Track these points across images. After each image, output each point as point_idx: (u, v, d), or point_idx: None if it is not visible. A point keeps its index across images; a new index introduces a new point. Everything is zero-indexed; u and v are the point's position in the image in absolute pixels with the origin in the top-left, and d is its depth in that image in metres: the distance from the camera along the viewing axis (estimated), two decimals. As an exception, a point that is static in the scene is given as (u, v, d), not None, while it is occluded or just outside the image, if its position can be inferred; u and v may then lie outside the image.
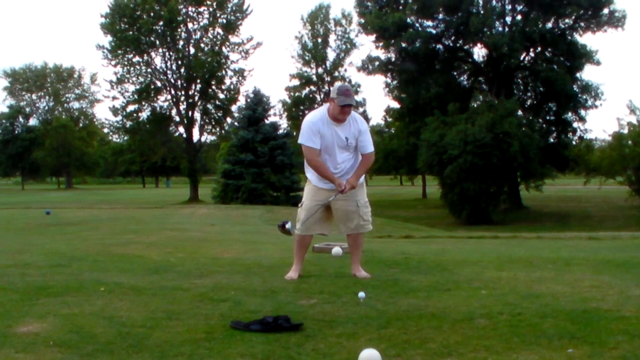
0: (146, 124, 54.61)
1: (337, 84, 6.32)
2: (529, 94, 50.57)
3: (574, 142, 48.80)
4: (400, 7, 47.74)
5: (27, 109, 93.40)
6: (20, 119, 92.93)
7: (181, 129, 56.32)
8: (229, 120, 54.81)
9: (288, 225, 6.23)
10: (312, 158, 6.16)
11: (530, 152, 39.71)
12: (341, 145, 6.17)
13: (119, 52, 51.88)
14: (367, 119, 69.37)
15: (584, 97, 46.83)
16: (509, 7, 47.28)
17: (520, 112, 45.56)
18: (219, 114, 56.08)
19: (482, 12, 44.94)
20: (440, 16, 47.91)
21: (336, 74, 67.29)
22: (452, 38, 48.83)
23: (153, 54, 53.41)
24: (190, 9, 52.78)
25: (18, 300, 5.20)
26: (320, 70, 67.56)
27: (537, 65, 47.05)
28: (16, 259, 7.83)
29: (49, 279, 6.18)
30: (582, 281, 5.81)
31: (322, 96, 64.70)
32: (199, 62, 52.23)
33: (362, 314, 4.63)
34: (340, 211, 6.35)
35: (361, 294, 5.12)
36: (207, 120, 56.20)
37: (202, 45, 53.76)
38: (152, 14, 50.80)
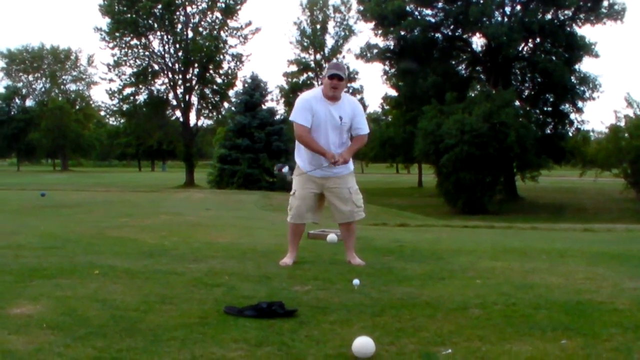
0: (143, 107, 54.39)
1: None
2: (526, 85, 50.52)
3: (570, 134, 48.82)
4: (400, -5, 47.57)
5: (24, 90, 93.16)
6: (17, 100, 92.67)
7: (178, 113, 56.20)
8: (225, 105, 54.66)
9: (285, 170, 6.21)
10: (301, 134, 6.12)
11: (527, 142, 39.73)
12: (334, 125, 6.12)
13: (117, 34, 51.58)
14: (364, 106, 69.38)
15: (582, 88, 46.78)
16: (508, -3, 47.20)
17: (517, 103, 45.50)
18: (216, 98, 55.91)
19: (481, 1, 44.75)
20: (440, 5, 47.76)
21: (334, 60, 67.11)
22: (451, 27, 48.68)
23: (151, 37, 53.13)
24: (189, -8, 52.53)
25: (11, 281, 5.19)
26: (318, 56, 67.38)
27: (535, 56, 46.91)
28: (10, 240, 7.81)
29: (42, 261, 6.17)
30: (576, 273, 5.82)
31: (319, 82, 64.50)
32: (197, 46, 51.99)
33: (356, 301, 4.63)
34: (333, 198, 6.33)
35: (355, 281, 5.12)
36: (204, 105, 56.05)
37: (200, 29, 53.51)
38: (150, -3, 50.55)
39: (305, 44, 67.48)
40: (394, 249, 7.40)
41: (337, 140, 6.18)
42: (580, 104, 47.59)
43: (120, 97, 53.50)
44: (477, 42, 49.55)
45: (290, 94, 65.85)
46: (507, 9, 47.22)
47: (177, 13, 52.60)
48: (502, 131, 38.29)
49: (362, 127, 6.25)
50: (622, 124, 42.44)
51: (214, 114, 56.84)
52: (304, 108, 6.10)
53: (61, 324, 3.91)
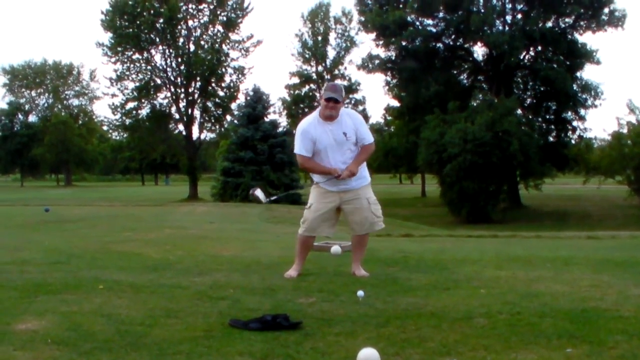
0: (145, 122, 54.52)
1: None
2: (528, 93, 50.57)
3: (573, 141, 48.82)
4: (401, 6, 47.70)
5: (27, 106, 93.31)
6: (20, 116, 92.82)
7: (181, 127, 56.29)
8: (228, 117, 54.81)
9: (258, 192, 6.27)
10: (302, 163, 6.25)
11: (530, 151, 39.76)
12: (340, 142, 6.13)
13: (119, 49, 51.81)
14: (366, 117, 69.55)
15: (584, 96, 46.82)
16: (509, 5, 47.28)
17: (519, 111, 45.57)
18: (218, 111, 56.03)
19: (482, 10, 44.93)
20: (441, 14, 47.91)
21: (336, 72, 67.30)
22: (453, 36, 48.81)
23: (153, 51, 53.36)
24: (190, 6, 52.73)
25: (16, 297, 5.20)
26: (320, 68, 67.60)
27: (537, 64, 47.00)
28: (15, 256, 7.82)
29: (47, 277, 6.17)
30: (581, 280, 5.82)
31: (321, 94, 64.61)
32: (199, 59, 52.16)
33: (361, 312, 4.63)
34: (352, 211, 6.31)
35: (360, 293, 5.12)
36: (206, 118, 56.16)
37: (202, 42, 53.69)
38: (152, 11, 50.76)
39: (306, 55, 67.69)
40: (399, 260, 7.39)
41: (347, 160, 6.18)
42: (582, 111, 47.70)
43: (123, 111, 53.63)
44: (479, 51, 49.78)
45: (292, 105, 66.06)
46: (508, 18, 47.39)
47: (179, 27, 52.83)
48: (505, 140, 38.32)
49: (366, 137, 6.28)
50: (625, 130, 42.49)
51: (217, 127, 57.00)
52: (302, 140, 6.16)
53: (66, 339, 3.91)
